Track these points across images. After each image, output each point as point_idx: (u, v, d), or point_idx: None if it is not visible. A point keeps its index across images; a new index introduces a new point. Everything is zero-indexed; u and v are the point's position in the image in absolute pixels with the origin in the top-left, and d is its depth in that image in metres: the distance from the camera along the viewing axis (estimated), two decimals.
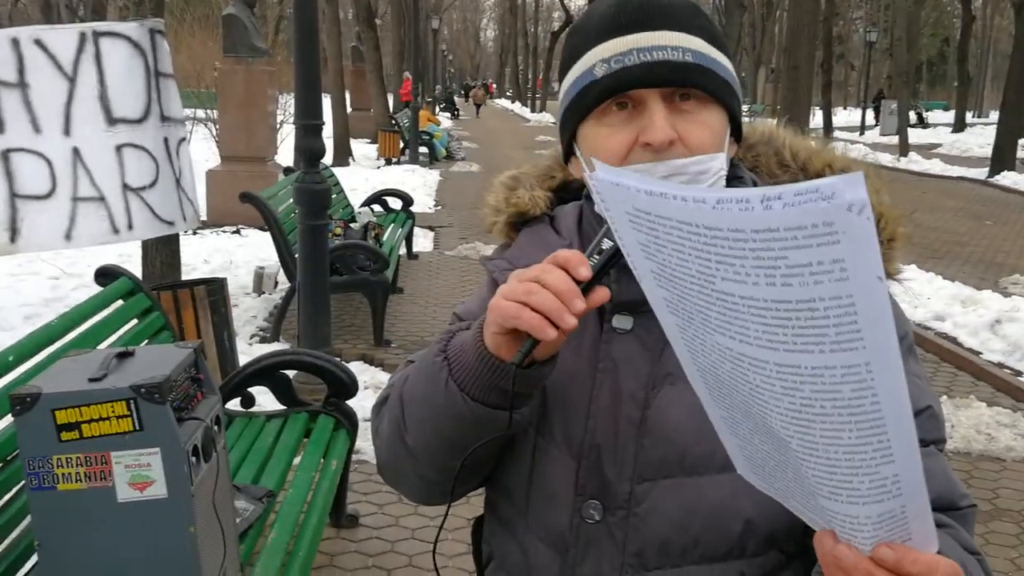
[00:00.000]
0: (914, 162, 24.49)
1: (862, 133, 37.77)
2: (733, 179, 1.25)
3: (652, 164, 1.15)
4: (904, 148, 25.61)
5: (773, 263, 0.65)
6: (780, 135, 1.37)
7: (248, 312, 7.70)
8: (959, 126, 38.68)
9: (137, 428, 2.13)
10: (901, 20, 27.87)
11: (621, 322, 1.24)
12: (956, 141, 32.86)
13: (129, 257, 8.02)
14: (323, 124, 5.88)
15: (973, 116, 54.18)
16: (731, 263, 0.69)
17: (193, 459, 2.20)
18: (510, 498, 1.30)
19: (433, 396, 1.17)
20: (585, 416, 1.22)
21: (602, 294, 1.07)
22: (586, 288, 1.06)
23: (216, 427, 2.40)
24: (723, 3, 33.51)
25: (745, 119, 1.27)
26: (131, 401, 2.12)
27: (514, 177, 1.42)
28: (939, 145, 31.98)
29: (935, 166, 23.76)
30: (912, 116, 44.45)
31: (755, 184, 1.28)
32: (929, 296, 8.58)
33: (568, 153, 1.30)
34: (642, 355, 1.22)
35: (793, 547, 1.19)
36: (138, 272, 6.88)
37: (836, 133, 33.36)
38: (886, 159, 25.69)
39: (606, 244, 1.07)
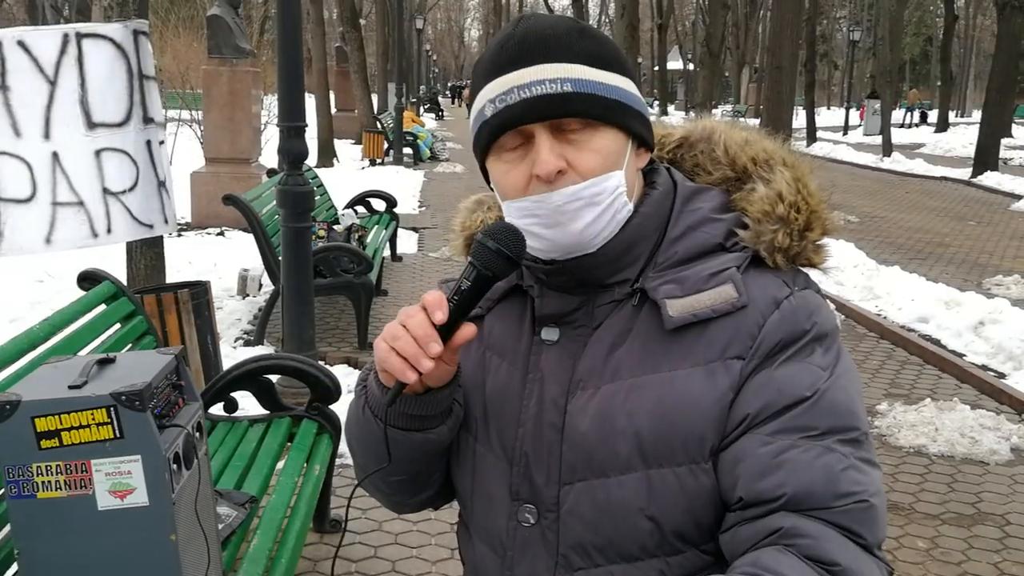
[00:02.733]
0: (897, 162, 24.62)
1: (845, 133, 37.93)
2: (649, 184, 1.29)
3: (548, 194, 1.19)
4: (887, 148, 25.74)
5: None
6: (719, 130, 1.38)
7: (232, 315, 7.67)
8: (942, 126, 38.87)
9: (118, 436, 2.11)
10: (884, 20, 27.97)
11: (548, 334, 1.30)
12: (939, 141, 33.02)
13: (115, 258, 7.99)
14: (306, 126, 5.86)
15: (956, 116, 54.52)
16: None
17: (174, 466, 2.19)
18: (462, 502, 1.39)
19: (358, 420, 1.31)
20: (516, 424, 1.28)
21: (466, 331, 1.18)
22: (454, 325, 1.16)
23: (198, 434, 2.38)
24: (707, 3, 33.62)
25: (664, 119, 1.30)
26: (111, 408, 2.11)
27: (478, 200, 1.48)
28: (922, 145, 32.15)
29: (918, 166, 23.88)
30: (916, 115, 44.70)
31: (674, 186, 1.31)
32: (912, 298, 8.61)
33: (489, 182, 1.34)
34: (564, 364, 1.27)
35: (714, 547, 1.22)
36: (122, 275, 6.85)
37: (820, 133, 33.45)
38: (869, 159, 25.82)
39: (464, 284, 1.17)
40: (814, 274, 1.28)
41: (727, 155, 1.34)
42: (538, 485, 1.25)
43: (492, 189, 1.33)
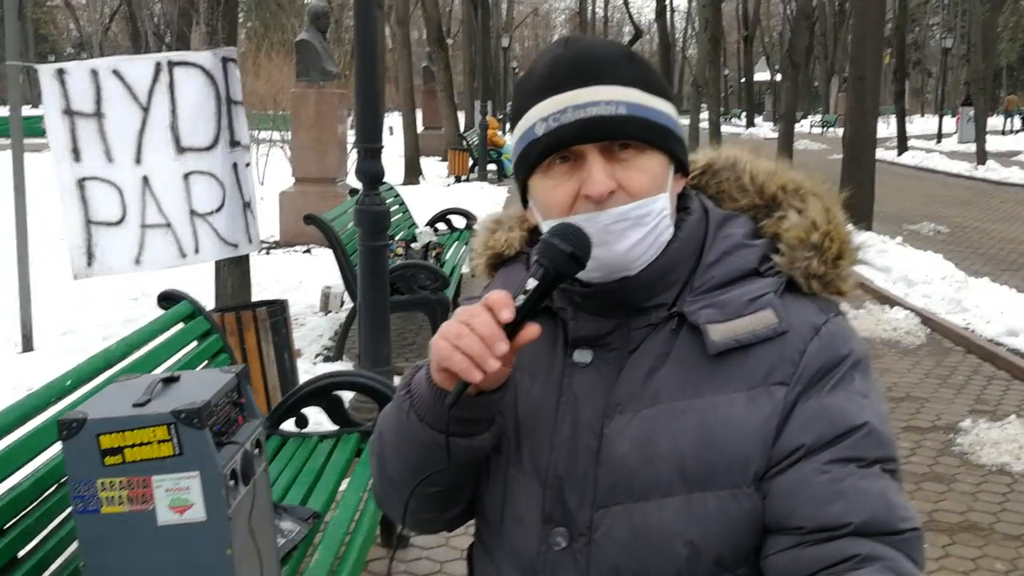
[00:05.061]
0: (992, 170, 23.89)
1: (939, 141, 36.93)
2: (681, 210, 1.31)
3: (596, 214, 1.21)
4: (982, 156, 24.99)
5: None
6: (743, 159, 1.40)
7: (314, 331, 7.84)
8: None
9: (177, 452, 2.20)
10: (976, 27, 27.22)
11: (581, 356, 1.30)
12: None
13: (206, 277, 8.25)
14: (382, 147, 5.97)
15: None
16: None
17: (231, 483, 2.26)
18: (488, 524, 1.37)
19: (400, 427, 1.27)
20: (550, 447, 1.28)
21: (531, 331, 1.15)
22: (518, 325, 1.13)
23: (257, 450, 2.46)
24: (792, 14, 33.23)
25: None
26: (172, 426, 2.19)
27: (496, 220, 1.50)
28: (1019, 152, 31.10)
29: (1014, 174, 23.10)
30: (1018, 121, 43.27)
31: (705, 212, 1.33)
32: (1002, 310, 8.36)
33: (525, 200, 1.35)
34: (599, 386, 1.27)
35: (747, 570, 1.22)
36: (211, 293, 7.08)
37: (912, 141, 32.67)
38: (963, 167, 25.12)
39: (530, 284, 1.16)
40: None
41: (754, 183, 1.36)
42: (571, 508, 1.25)
43: (526, 207, 1.35)
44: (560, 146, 1.21)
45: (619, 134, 1.21)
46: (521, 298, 1.15)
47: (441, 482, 1.29)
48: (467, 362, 1.12)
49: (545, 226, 1.26)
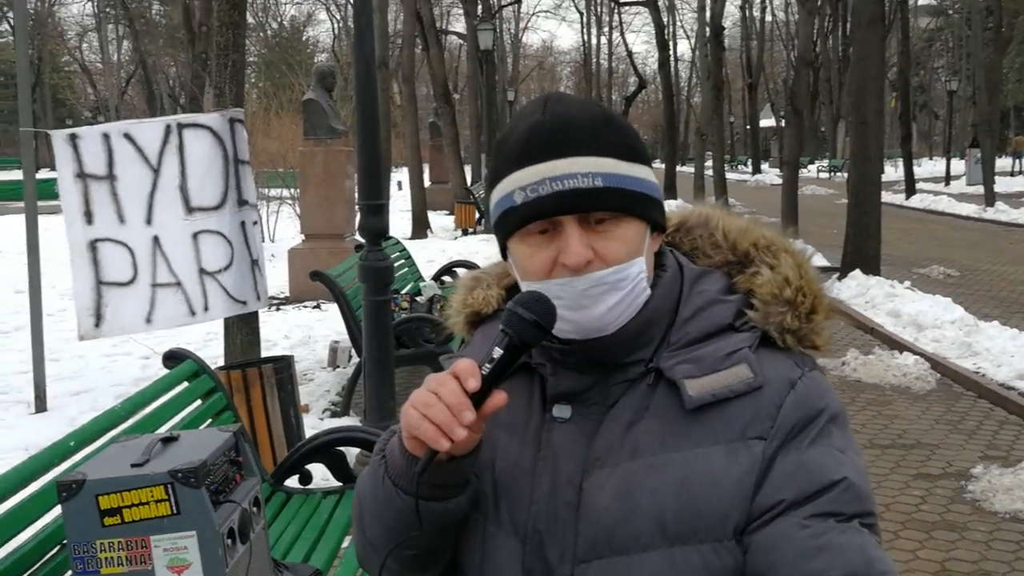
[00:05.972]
0: (1001, 212, 23.90)
1: (947, 184, 36.97)
2: (657, 267, 1.33)
3: (573, 279, 1.23)
4: (990, 198, 25.02)
5: None
6: (716, 216, 1.43)
7: (322, 387, 7.85)
8: None
9: (175, 512, 2.23)
10: (980, 70, 27.39)
11: (560, 411, 1.31)
12: None
13: (216, 335, 8.30)
14: (384, 203, 6.04)
15: None
16: None
17: (229, 541, 2.28)
18: None
19: (376, 492, 1.29)
20: (528, 502, 1.29)
21: (498, 399, 1.18)
22: (486, 393, 1.16)
23: (255, 509, 2.49)
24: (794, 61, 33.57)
25: (673, 205, 1.33)
26: (169, 486, 2.22)
27: (475, 277, 1.52)
28: None
29: (1023, 215, 23.11)
30: (1019, 163, 43.31)
31: (680, 269, 1.35)
32: (1012, 354, 8.31)
33: (505, 255, 1.37)
34: (579, 441, 1.28)
35: None
36: (221, 350, 7.12)
37: (920, 184, 32.75)
38: (971, 209, 25.13)
39: (497, 352, 1.18)
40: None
41: (727, 240, 1.39)
42: (551, 564, 1.26)
43: (506, 259, 1.37)
44: (538, 217, 1.24)
45: (596, 206, 1.23)
46: (487, 367, 1.17)
47: (418, 545, 1.30)
48: (435, 431, 1.15)
49: (525, 287, 1.28)
